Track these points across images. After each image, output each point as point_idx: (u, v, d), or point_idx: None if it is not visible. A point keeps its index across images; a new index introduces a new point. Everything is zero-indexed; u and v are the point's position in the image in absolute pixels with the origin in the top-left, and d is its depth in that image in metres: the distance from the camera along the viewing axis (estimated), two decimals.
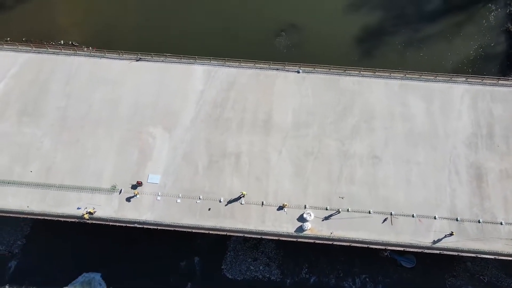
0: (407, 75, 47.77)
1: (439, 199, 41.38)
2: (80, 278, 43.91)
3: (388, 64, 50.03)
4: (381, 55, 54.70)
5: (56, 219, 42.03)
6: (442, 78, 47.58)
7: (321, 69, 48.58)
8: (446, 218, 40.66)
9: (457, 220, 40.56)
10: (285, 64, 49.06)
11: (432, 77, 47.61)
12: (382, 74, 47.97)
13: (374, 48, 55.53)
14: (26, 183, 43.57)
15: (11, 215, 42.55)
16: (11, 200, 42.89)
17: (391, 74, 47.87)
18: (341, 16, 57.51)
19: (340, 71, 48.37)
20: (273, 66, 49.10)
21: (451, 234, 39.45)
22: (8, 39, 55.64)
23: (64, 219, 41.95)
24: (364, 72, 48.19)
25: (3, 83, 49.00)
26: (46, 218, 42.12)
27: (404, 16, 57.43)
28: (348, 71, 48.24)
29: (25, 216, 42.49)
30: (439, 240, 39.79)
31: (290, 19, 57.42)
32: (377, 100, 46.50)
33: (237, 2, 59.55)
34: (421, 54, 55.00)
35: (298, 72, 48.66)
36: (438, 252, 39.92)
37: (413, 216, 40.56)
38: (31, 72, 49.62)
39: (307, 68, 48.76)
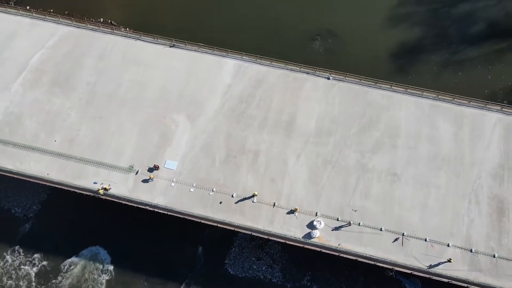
0: (439, 96, 46.53)
1: (455, 227, 40.15)
2: (86, 251, 44.85)
3: (421, 82, 48.87)
4: (415, 72, 53.51)
5: (72, 190, 43.08)
6: (476, 104, 46.11)
7: (352, 79, 47.91)
8: (459, 248, 39.40)
9: (471, 251, 39.26)
10: (316, 69, 48.62)
11: (465, 102, 46.22)
12: (414, 92, 46.88)
13: (409, 64, 54.39)
14: (49, 151, 44.82)
15: (31, 180, 43.86)
16: (33, 166, 44.22)
17: (423, 93, 46.73)
18: (380, 28, 56.58)
19: (370, 83, 47.58)
20: (303, 69, 48.77)
21: (449, 261, 38.22)
22: (52, 10, 57.30)
23: (80, 192, 42.95)
24: (396, 87, 47.23)
25: (41, 52, 50.57)
26: (63, 188, 43.23)
27: (445, 36, 55.98)
28: (379, 84, 47.39)
29: (44, 183, 43.72)
30: (435, 266, 38.67)
31: (328, 24, 56.89)
32: (404, 118, 45.48)
33: (277, 1, 59.46)
34: (457, 77, 53.50)
35: (328, 78, 48.15)
36: (446, 280, 38.76)
37: (425, 240, 39.51)
38: (68, 45, 51.02)
39: (337, 76, 48.19)
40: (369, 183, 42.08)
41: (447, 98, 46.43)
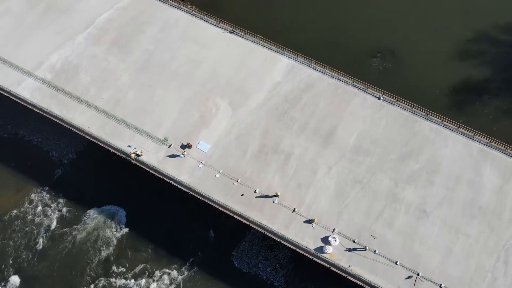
0: (492, 143, 43.93)
1: (475, 282, 37.87)
2: (106, 208, 46.40)
3: (475, 124, 46.08)
4: (472, 113, 50.69)
5: (107, 147, 44.69)
6: None
7: (403, 104, 46.21)
8: None
9: None
10: (368, 86, 47.34)
11: None
12: (466, 132, 44.53)
13: (467, 103, 51.73)
14: (95, 107, 46.69)
15: (72, 129, 45.95)
16: (77, 116, 46.27)
17: (475, 136, 44.30)
18: (446, 58, 54.15)
19: (422, 113, 45.69)
20: (356, 84, 47.63)
21: None
22: None
23: (113, 151, 44.48)
24: (447, 123, 45.07)
25: (109, 12, 52.71)
26: (99, 143, 44.96)
27: None
28: (430, 116, 45.43)
29: (83, 135, 45.65)
30: None
31: (392, 43, 55.13)
32: (449, 156, 43.35)
33: (347, 9, 58.39)
34: None
35: (379, 98, 46.74)
36: None
37: (440, 286, 37.58)
38: (135, 10, 52.84)
39: (389, 98, 46.66)
40: (395, 213, 40.57)
41: (500, 147, 43.75)
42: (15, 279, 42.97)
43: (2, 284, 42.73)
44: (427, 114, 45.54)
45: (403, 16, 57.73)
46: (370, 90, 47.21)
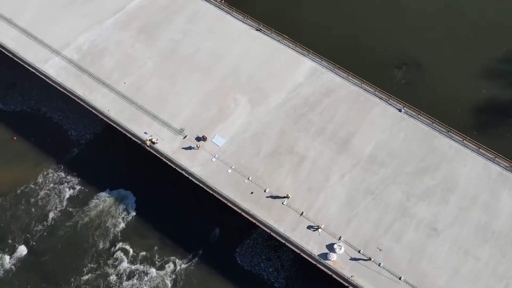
0: None
1: None
2: (117, 191, 46.99)
3: (497, 147, 44.69)
4: (495, 135, 49.27)
5: (124, 132, 45.26)
6: None
7: (424, 119, 45.34)
8: None
9: None
10: (391, 96, 46.63)
11: None
12: (487, 154, 43.38)
13: (490, 124, 50.40)
14: (116, 91, 47.35)
15: (93, 110, 46.71)
16: (99, 99, 47.00)
17: (496, 158, 43.13)
18: (473, 76, 52.89)
19: (443, 129, 44.74)
20: (378, 93, 46.98)
21: None
22: None
23: (130, 136, 45.02)
24: (468, 143, 44.00)
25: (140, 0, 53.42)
26: (116, 127, 45.58)
27: None
28: (451, 133, 44.45)
29: (102, 117, 46.36)
30: None
31: (419, 56, 54.18)
32: (466, 176, 42.32)
33: (377, 17, 57.60)
34: None
35: (400, 110, 45.98)
36: None
37: None
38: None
39: (410, 111, 45.84)
40: (404, 228, 39.85)
41: None
42: (22, 249, 43.98)
43: (10, 252, 43.78)
44: (448, 131, 44.57)
45: (434, 28, 56.64)
46: (392, 101, 46.49)
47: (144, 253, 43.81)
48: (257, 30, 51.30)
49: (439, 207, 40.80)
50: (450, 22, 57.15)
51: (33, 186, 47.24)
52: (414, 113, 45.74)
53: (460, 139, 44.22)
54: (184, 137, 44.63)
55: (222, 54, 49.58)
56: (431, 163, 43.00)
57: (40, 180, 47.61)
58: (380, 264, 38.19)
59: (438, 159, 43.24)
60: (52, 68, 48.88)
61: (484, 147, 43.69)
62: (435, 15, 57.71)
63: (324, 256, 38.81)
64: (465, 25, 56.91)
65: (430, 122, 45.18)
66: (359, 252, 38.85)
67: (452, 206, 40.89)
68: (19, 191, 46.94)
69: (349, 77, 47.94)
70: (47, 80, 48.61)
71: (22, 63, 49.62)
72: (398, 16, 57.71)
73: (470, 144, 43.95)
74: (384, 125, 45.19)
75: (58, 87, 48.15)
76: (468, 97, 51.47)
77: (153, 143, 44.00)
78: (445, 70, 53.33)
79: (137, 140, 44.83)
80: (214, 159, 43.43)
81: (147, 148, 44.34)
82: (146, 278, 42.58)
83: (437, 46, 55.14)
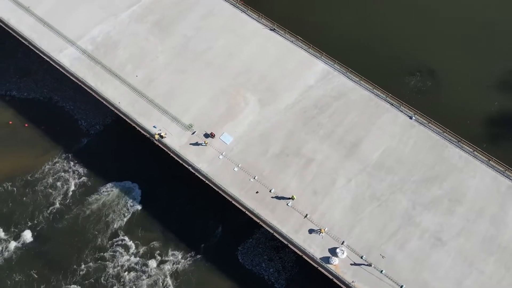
0: None
1: None
2: (124, 183, 47.23)
3: (508, 160, 44.09)
4: (506, 148, 48.45)
5: (133, 125, 45.53)
6: None
7: (435, 127, 44.82)
8: None
9: None
10: (402, 103, 46.19)
11: None
12: (497, 166, 42.72)
13: (502, 136, 49.66)
14: (128, 83, 47.65)
15: (104, 102, 47.09)
16: (110, 91, 47.35)
17: (506, 171, 42.46)
18: (487, 87, 52.12)
19: (453, 139, 44.20)
20: (389, 99, 46.57)
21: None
22: None
23: (139, 129, 45.27)
24: (478, 154, 43.41)
25: None
26: (126, 119, 45.86)
27: None
28: (461, 143, 43.89)
29: (113, 109, 46.70)
30: None
31: (433, 64, 53.58)
32: (474, 187, 41.74)
33: (393, 22, 57.10)
34: None
35: (411, 118, 45.54)
36: None
37: None
38: None
39: (421, 119, 45.37)
40: (408, 236, 39.44)
41: None
42: (27, 234, 44.47)
43: (15, 236, 44.28)
44: (459, 141, 44.02)
45: (451, 38, 55.90)
46: (403, 108, 46.07)
47: (146, 246, 43.99)
48: (271, 30, 51.22)
49: (445, 218, 40.31)
50: (468, 32, 56.40)
51: (40, 174, 47.74)
52: (425, 121, 45.28)
53: (471, 150, 43.65)
54: (193, 133, 44.74)
55: (234, 52, 49.59)
56: (439, 173, 42.51)
57: (48, 168, 48.09)
58: (382, 271, 37.85)
59: (447, 168, 42.73)
60: (66, 57, 49.36)
61: (494, 159, 43.07)
62: (453, 24, 56.97)
63: (326, 259, 38.60)
64: (482, 35, 56.12)
65: (441, 131, 44.67)
66: (361, 258, 38.55)
67: (458, 217, 40.37)
68: (27, 177, 47.47)
69: (361, 81, 47.62)
70: (60, 69, 49.11)
71: (37, 51, 50.21)
72: (415, 23, 57.09)
73: (481, 156, 43.36)
74: (393, 132, 44.79)
75: (71, 77, 48.60)
76: (480, 108, 50.80)
77: (162, 137, 44.18)
78: (459, 79, 52.69)
79: (145, 134, 45.06)
80: (221, 157, 43.45)
81: (155, 142, 44.54)
82: (146, 272, 42.74)
83: (452, 55, 54.49)
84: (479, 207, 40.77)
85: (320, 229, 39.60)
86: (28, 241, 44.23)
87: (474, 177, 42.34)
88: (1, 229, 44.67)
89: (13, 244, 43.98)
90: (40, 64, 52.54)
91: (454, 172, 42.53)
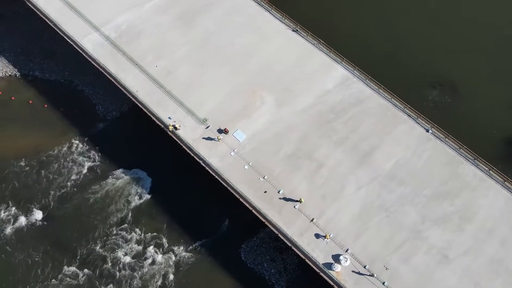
0: None
1: None
2: (135, 171, 47.74)
3: None
4: None
5: (149, 114, 45.98)
6: None
7: (452, 143, 44.06)
8: None
9: None
10: (419, 115, 45.55)
11: None
12: None
13: None
14: (147, 73, 48.13)
15: (122, 89, 47.66)
16: (129, 79, 47.91)
17: None
18: (507, 108, 51.03)
19: (469, 156, 43.38)
20: (407, 111, 45.96)
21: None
22: None
23: (154, 118, 45.70)
24: (494, 174, 42.52)
25: None
26: (143, 108, 46.35)
27: None
28: (477, 161, 43.04)
29: (130, 97, 47.24)
30: None
31: (455, 78, 52.68)
32: (486, 207, 40.93)
33: (416, 32, 56.28)
34: None
35: (428, 131, 44.86)
36: None
37: None
38: None
39: (438, 133, 44.66)
40: (415, 250, 38.89)
41: None
42: (38, 213, 45.32)
43: (27, 214, 45.18)
44: (475, 159, 43.20)
45: (475, 54, 54.87)
46: (420, 120, 45.42)
47: (151, 235, 44.37)
48: (293, 31, 51.05)
49: (454, 235, 39.63)
50: (494, 50, 55.23)
51: (56, 154, 48.59)
52: (441, 135, 44.55)
53: (486, 168, 42.79)
54: (207, 127, 44.95)
55: (254, 50, 49.60)
56: (452, 189, 41.80)
57: (63, 149, 48.94)
58: (384, 283, 37.43)
59: (460, 185, 41.98)
60: (90, 43, 50.11)
61: (510, 180, 42.13)
62: (479, 41, 55.88)
63: (329, 266, 38.37)
64: (508, 55, 54.88)
65: (457, 147, 43.90)
66: (364, 267, 38.20)
67: (467, 235, 39.63)
68: (42, 157, 48.40)
69: (379, 90, 47.11)
70: (83, 54, 49.90)
71: (62, 34, 51.12)
72: (440, 36, 56.16)
73: (496, 176, 42.47)
74: (408, 143, 44.20)
75: (92, 62, 49.34)
76: (499, 127, 49.75)
77: (176, 128, 44.52)
78: (480, 97, 51.67)
79: (160, 124, 45.46)
80: (232, 153, 43.55)
81: (169, 133, 44.91)
82: (149, 260, 43.15)
83: (475, 72, 53.44)
84: (490, 227, 39.96)
85: (325, 235, 39.38)
86: (36, 220, 45.03)
87: (487, 196, 41.51)
88: (13, 205, 45.67)
89: (22, 221, 44.88)
90: (64, 47, 53.43)
91: (467, 190, 41.77)
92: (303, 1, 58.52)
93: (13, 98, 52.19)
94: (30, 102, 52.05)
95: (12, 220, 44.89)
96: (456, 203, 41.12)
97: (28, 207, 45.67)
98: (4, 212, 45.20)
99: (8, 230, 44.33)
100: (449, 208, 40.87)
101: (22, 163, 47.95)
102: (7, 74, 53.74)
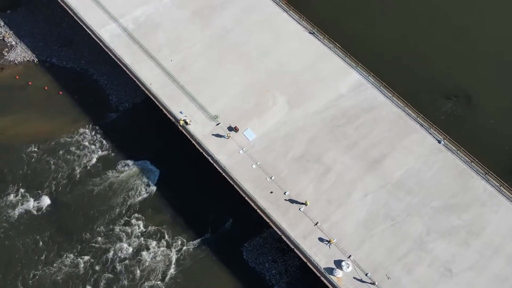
0: None
1: None
2: (143, 163, 47.97)
3: None
4: None
5: (161, 107, 46.29)
6: None
7: (464, 156, 43.40)
8: None
9: None
10: (432, 126, 44.98)
11: None
12: None
13: None
14: (162, 67, 48.44)
15: (136, 81, 48.06)
16: (144, 72, 48.28)
17: None
18: None
19: (481, 170, 42.71)
20: (420, 120, 45.43)
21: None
22: None
23: (165, 112, 45.97)
24: (505, 190, 41.78)
25: None
26: (155, 101, 46.67)
27: None
28: (488, 176, 42.36)
29: (144, 90, 47.59)
30: None
31: (471, 90, 51.79)
32: (495, 223, 40.24)
33: (435, 41, 55.53)
34: None
35: (439, 142, 44.28)
36: None
37: None
38: None
39: (450, 145, 44.03)
40: (418, 262, 38.44)
41: None
42: (46, 199, 45.93)
43: (35, 199, 45.83)
44: (486, 174, 42.52)
45: (493, 67, 53.89)
46: (433, 131, 44.84)
47: (155, 228, 44.64)
48: (310, 33, 50.83)
49: (460, 249, 39.07)
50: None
51: (66, 141, 49.19)
52: (453, 147, 43.94)
53: (497, 184, 42.06)
54: (217, 124, 45.03)
55: (270, 50, 49.54)
56: (461, 203, 41.19)
57: (75, 137, 49.52)
58: None
59: (469, 199, 41.35)
60: (107, 33, 50.60)
61: None
62: (497, 54, 54.91)
63: (330, 270, 38.16)
64: None
65: (469, 160, 43.25)
66: (366, 275, 37.90)
67: (473, 250, 39.03)
68: (53, 143, 49.03)
69: (393, 97, 46.65)
70: (100, 43, 50.41)
71: (80, 23, 51.73)
72: (459, 47, 55.25)
73: (507, 192, 41.72)
74: (419, 153, 43.68)
75: (109, 52, 49.82)
76: None
77: (186, 123, 44.70)
78: (495, 110, 50.70)
79: (171, 118, 45.70)
80: (241, 152, 43.57)
81: (179, 127, 45.11)
82: (151, 252, 43.42)
83: (492, 85, 52.49)
84: (497, 244, 39.29)
85: (329, 239, 39.16)
86: (43, 205, 45.64)
87: (496, 212, 40.83)
88: (22, 189, 46.32)
89: (29, 206, 45.50)
90: (82, 36, 54.06)
91: (477, 204, 41.13)
92: (321, 4, 58.18)
93: (30, 83, 53.00)
94: (46, 88, 52.79)
95: (19, 204, 45.57)
96: (464, 217, 40.53)
97: (36, 192, 46.30)
98: (13, 196, 45.90)
99: (15, 213, 45.00)
100: (457, 221, 40.30)
101: (34, 148, 48.63)
102: (25, 60, 54.58)
